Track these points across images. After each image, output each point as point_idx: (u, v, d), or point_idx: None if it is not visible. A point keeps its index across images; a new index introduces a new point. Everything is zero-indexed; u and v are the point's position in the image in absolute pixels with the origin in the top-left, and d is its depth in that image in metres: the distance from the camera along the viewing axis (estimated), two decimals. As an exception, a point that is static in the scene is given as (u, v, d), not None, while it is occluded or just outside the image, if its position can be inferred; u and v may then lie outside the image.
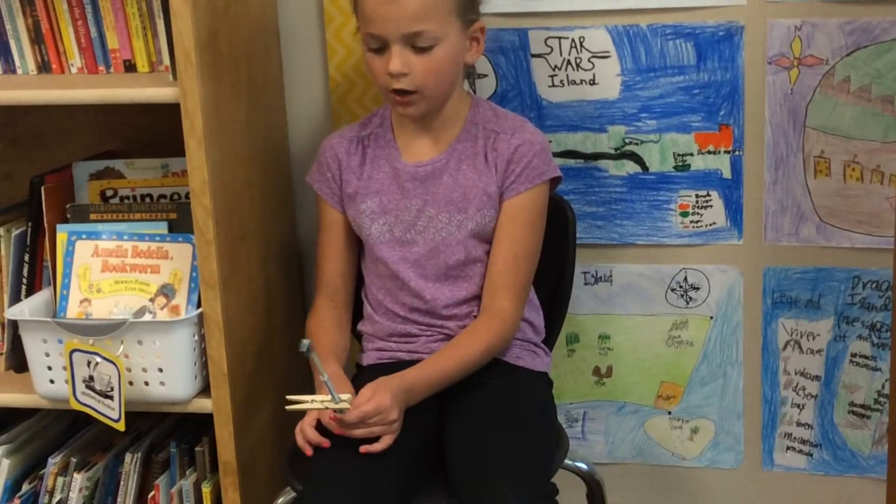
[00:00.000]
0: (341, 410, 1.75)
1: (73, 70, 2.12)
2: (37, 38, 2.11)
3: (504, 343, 1.94)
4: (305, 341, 1.71)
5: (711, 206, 2.20)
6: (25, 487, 2.16)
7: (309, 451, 1.80)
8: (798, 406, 2.27)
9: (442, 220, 1.93)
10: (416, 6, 1.80)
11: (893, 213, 2.11)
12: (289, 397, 1.79)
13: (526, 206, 1.93)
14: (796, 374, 2.26)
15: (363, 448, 1.76)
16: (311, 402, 1.78)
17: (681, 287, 2.26)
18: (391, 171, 1.96)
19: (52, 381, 2.02)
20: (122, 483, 2.13)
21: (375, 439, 1.77)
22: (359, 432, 1.76)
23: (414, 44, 1.83)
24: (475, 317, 1.95)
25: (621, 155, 2.20)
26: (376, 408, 1.75)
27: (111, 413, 1.96)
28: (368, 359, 2.02)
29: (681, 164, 2.19)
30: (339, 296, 2.02)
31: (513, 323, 1.94)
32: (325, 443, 1.79)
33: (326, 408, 1.76)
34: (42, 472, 2.15)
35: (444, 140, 1.95)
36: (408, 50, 1.83)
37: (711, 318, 2.26)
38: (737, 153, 2.17)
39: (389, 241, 1.96)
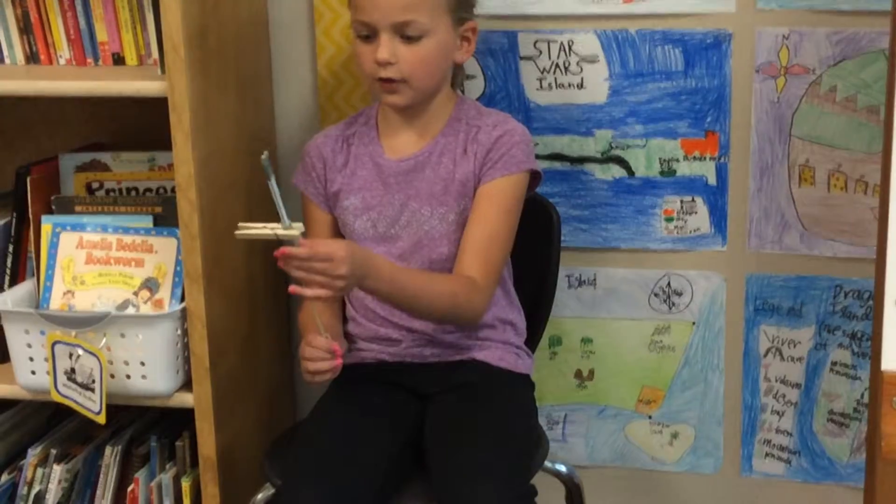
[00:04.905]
0: (292, 243, 1.66)
1: (62, 62, 2.12)
2: (25, 29, 2.11)
3: (469, 306, 1.88)
4: (264, 156, 1.61)
5: (696, 213, 2.21)
6: (4, 478, 2.15)
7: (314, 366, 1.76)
8: (778, 413, 2.28)
9: (424, 214, 1.93)
10: None
11: (876, 223, 2.12)
12: (241, 224, 1.67)
13: (500, 190, 1.90)
14: (777, 381, 2.27)
15: (292, 289, 1.70)
16: (262, 229, 1.67)
17: (664, 292, 2.26)
18: (374, 167, 1.96)
19: (33, 373, 2.01)
20: (101, 476, 2.13)
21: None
22: (299, 275, 1.69)
23: (403, 33, 1.84)
24: None
25: (607, 159, 2.21)
26: (328, 253, 1.68)
27: (92, 406, 1.96)
28: (352, 358, 2.01)
29: (666, 169, 2.19)
30: None
31: (482, 294, 1.88)
32: (338, 353, 1.76)
33: (277, 235, 1.66)
34: (21, 463, 2.14)
35: (428, 135, 1.95)
36: (396, 39, 1.84)
37: (694, 323, 2.27)
38: (722, 160, 2.17)
39: (373, 237, 1.95)
